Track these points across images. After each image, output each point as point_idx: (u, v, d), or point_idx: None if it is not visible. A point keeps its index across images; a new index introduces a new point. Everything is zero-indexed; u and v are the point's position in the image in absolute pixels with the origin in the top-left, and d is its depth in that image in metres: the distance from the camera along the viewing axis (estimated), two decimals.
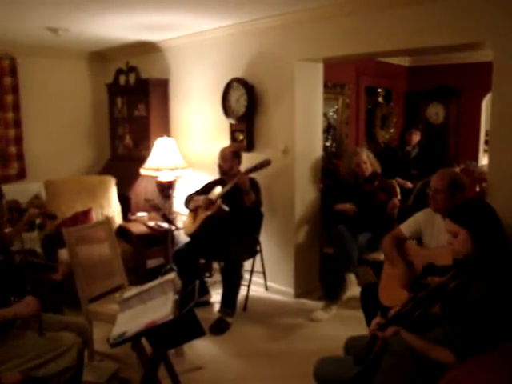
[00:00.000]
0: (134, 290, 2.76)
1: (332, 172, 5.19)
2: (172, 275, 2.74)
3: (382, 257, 3.84)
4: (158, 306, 2.51)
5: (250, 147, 4.89)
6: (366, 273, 4.58)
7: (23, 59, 6.09)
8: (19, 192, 4.88)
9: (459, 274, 2.08)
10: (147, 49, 5.92)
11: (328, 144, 6.26)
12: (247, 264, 4.56)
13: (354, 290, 4.11)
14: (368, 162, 4.56)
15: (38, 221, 4.44)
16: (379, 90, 7.11)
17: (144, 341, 2.61)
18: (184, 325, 2.52)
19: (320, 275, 4.96)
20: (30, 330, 2.69)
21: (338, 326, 4.13)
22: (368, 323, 3.19)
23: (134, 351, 2.62)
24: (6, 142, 6.11)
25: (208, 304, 4.62)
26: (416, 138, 5.37)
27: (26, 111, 6.19)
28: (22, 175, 6.19)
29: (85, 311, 3.50)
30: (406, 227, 3.27)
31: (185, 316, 2.49)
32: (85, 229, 3.73)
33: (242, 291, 4.49)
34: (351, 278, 4.18)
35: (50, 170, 5.91)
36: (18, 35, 5.29)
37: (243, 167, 4.46)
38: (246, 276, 4.61)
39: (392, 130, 7.25)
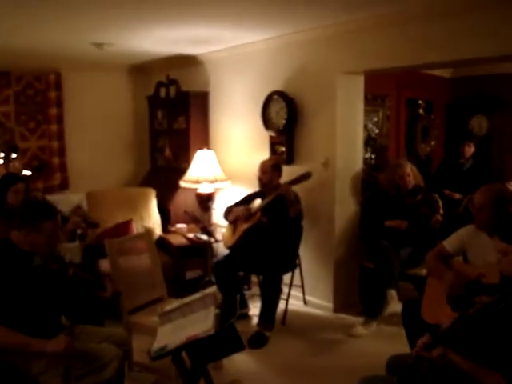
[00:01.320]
0: (175, 303, 2.75)
1: (372, 185, 5.12)
2: (213, 289, 2.73)
3: (423, 272, 3.76)
4: (199, 320, 2.49)
5: (290, 160, 4.87)
6: (407, 288, 4.50)
7: (67, 73, 6.25)
8: (62, 202, 4.94)
9: (510, 293, 2.01)
10: (188, 62, 5.98)
11: (367, 156, 6.19)
12: (286, 277, 4.51)
13: (394, 305, 4.03)
14: (411, 174, 4.48)
15: (79, 231, 4.49)
16: (420, 102, 7.00)
17: (183, 353, 2.61)
18: (225, 339, 2.50)
19: (359, 290, 4.88)
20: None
21: (379, 343, 4.04)
22: (410, 340, 3.11)
23: (174, 365, 2.62)
24: (49, 153, 6.26)
25: (246, 317, 4.60)
26: (470, 150, 5.31)
27: (69, 124, 6.34)
28: (64, 186, 6.32)
29: (125, 322, 3.52)
30: (449, 243, 3.18)
31: (226, 330, 2.47)
32: (126, 240, 3.77)
33: (281, 305, 4.45)
34: (392, 293, 4.10)
35: (91, 181, 6.01)
36: (63, 50, 5.42)
37: (283, 180, 4.44)
38: (285, 290, 4.57)
39: (433, 143, 7.12)
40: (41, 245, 2.68)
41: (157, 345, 2.46)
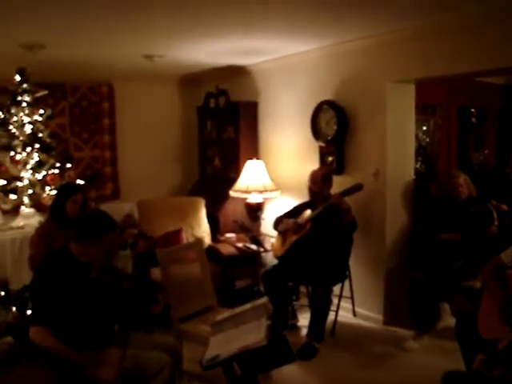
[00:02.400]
0: (227, 313, 2.76)
1: (423, 195, 5.02)
2: (264, 299, 2.72)
3: (477, 285, 3.65)
4: (251, 331, 2.49)
5: (340, 170, 4.84)
6: (460, 301, 4.37)
7: (119, 85, 6.41)
8: (113, 211, 5.02)
9: None
10: (237, 72, 6.03)
11: (417, 166, 6.08)
12: (336, 289, 4.47)
13: (447, 319, 3.94)
14: (464, 185, 4.38)
15: (130, 240, 4.57)
16: (472, 110, 6.84)
17: (234, 364, 2.60)
18: (276, 350, 2.49)
19: (409, 302, 4.78)
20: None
21: (431, 357, 3.94)
22: (464, 356, 3.02)
23: (226, 375, 2.62)
24: (102, 163, 6.43)
25: (295, 328, 4.57)
26: None
27: (121, 134, 6.49)
28: (116, 195, 6.47)
29: (176, 331, 3.55)
30: (506, 256, 3.08)
31: (277, 341, 2.46)
32: (177, 249, 3.82)
33: (330, 316, 4.41)
34: (445, 306, 4.00)
35: (141, 191, 6.12)
36: (116, 63, 5.56)
37: (333, 190, 4.41)
38: (335, 301, 4.52)
39: (486, 152, 6.94)
40: (98, 257, 2.72)
41: (209, 354, 2.46)
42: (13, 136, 5.13)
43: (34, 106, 5.24)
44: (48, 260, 2.87)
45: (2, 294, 4.40)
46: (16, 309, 3.40)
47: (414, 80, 4.47)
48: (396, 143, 4.55)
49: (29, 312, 3.35)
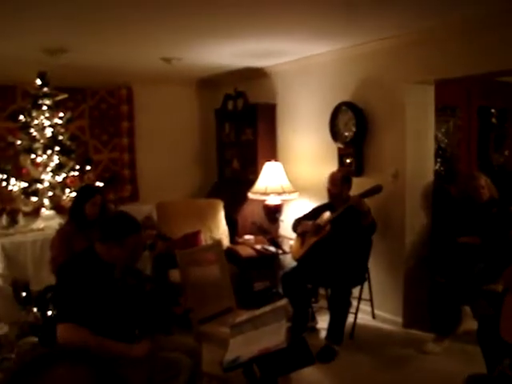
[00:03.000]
0: (246, 315, 2.76)
1: (443, 197, 4.97)
2: (284, 301, 2.72)
3: (499, 288, 3.61)
4: (271, 333, 2.49)
5: (358, 172, 4.81)
6: (481, 305, 4.31)
7: (138, 88, 6.45)
8: (132, 213, 5.09)
9: None
10: (255, 74, 6.04)
11: (437, 167, 6.03)
12: (355, 291, 4.45)
13: (468, 322, 3.89)
14: (486, 187, 4.33)
15: (149, 241, 4.60)
16: (493, 111, 6.77)
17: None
18: (295, 352, 2.48)
19: (429, 305, 4.74)
20: None
21: (452, 361, 3.90)
22: (486, 360, 2.99)
23: (246, 377, 2.62)
24: (120, 165, 6.47)
25: (314, 330, 4.56)
26: None
27: (139, 136, 6.53)
28: (134, 197, 6.51)
29: (195, 332, 3.56)
30: None
31: (297, 344, 2.46)
32: (197, 251, 3.84)
33: (349, 318, 4.38)
34: (466, 310, 3.96)
35: (159, 193, 6.15)
36: (134, 66, 5.61)
37: (352, 192, 4.39)
38: (354, 303, 4.50)
39: (506, 153, 6.86)
40: (122, 259, 2.72)
41: (229, 356, 2.46)
42: (34, 139, 5.19)
43: (54, 109, 5.30)
44: (73, 260, 2.89)
45: (24, 294, 4.45)
46: (38, 309, 3.43)
47: (433, 81, 4.44)
48: (415, 144, 4.52)
49: (50, 313, 3.39)
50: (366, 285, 4.60)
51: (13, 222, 5.42)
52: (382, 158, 4.66)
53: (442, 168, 6.17)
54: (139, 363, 2.53)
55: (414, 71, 4.31)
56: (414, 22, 3.91)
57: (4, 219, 5.40)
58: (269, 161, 5.31)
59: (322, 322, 4.55)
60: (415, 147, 4.52)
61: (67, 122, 5.43)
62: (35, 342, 2.88)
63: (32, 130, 5.19)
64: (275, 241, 4.83)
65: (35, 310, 3.62)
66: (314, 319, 4.62)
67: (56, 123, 5.29)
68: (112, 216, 3.01)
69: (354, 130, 4.77)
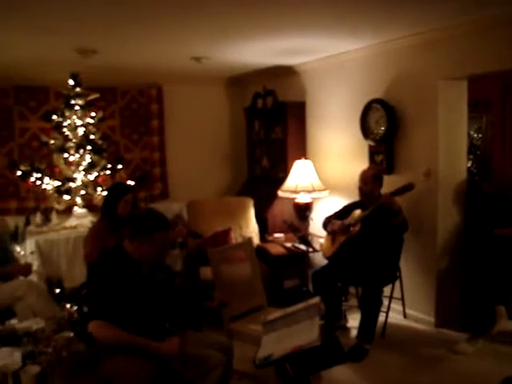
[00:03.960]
0: (278, 313, 2.76)
1: (476, 193, 4.89)
2: (316, 299, 2.71)
3: None
4: (304, 331, 2.48)
5: (390, 169, 4.76)
6: None
7: (168, 87, 6.51)
8: (162, 211, 5.12)
9: None
10: (284, 72, 6.03)
11: (469, 165, 5.93)
12: (386, 289, 4.41)
13: (504, 323, 3.82)
14: None
15: (179, 239, 4.63)
16: None
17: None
18: (328, 350, 2.48)
19: (462, 304, 4.67)
20: None
21: (486, 362, 3.83)
22: None
23: (278, 375, 2.62)
24: (151, 164, 6.53)
25: (345, 328, 4.53)
26: None
27: (169, 135, 6.59)
28: (164, 195, 6.58)
29: (227, 330, 3.57)
30: None
31: (329, 342, 2.45)
32: (228, 249, 3.85)
33: (380, 317, 4.33)
34: (501, 309, 3.89)
35: (189, 191, 6.21)
36: (164, 65, 5.67)
37: (384, 190, 4.35)
38: (385, 302, 4.46)
39: None
40: (151, 255, 2.75)
41: (261, 354, 2.47)
42: (66, 138, 5.28)
43: (86, 109, 5.38)
44: (102, 258, 2.93)
45: (57, 291, 4.53)
46: (73, 305, 3.48)
47: (466, 76, 4.36)
48: (448, 141, 4.45)
49: (85, 309, 3.43)
50: (397, 283, 4.55)
51: (46, 219, 5.54)
52: (414, 155, 4.61)
53: (474, 165, 6.07)
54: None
55: (446, 67, 4.25)
56: (448, 17, 3.85)
57: (38, 217, 5.52)
58: (299, 159, 5.29)
59: (353, 321, 4.54)
60: (447, 144, 4.45)
61: (99, 122, 5.51)
62: (70, 337, 2.92)
63: (65, 130, 5.28)
64: (305, 239, 4.81)
65: (68, 306, 3.67)
66: (344, 318, 4.59)
67: (88, 123, 5.37)
68: (141, 213, 3.04)
69: (385, 127, 4.72)
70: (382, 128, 4.76)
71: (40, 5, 3.27)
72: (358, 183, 4.43)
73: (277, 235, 5.37)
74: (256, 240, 5.38)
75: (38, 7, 3.33)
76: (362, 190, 4.40)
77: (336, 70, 5.38)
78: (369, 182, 4.34)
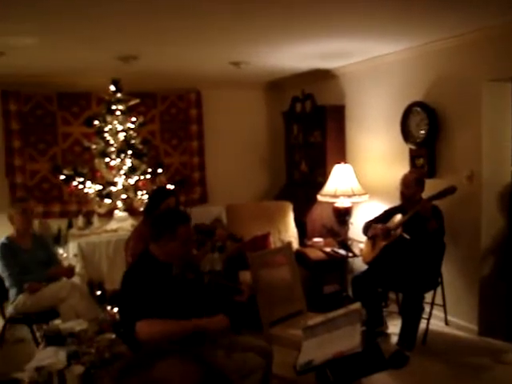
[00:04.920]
0: (319, 318, 2.74)
1: None
2: (357, 305, 2.68)
3: None
4: (345, 337, 2.46)
5: (431, 173, 4.68)
6: None
7: (207, 92, 6.57)
8: (202, 215, 5.18)
9: None
10: (322, 76, 6.01)
11: None
12: (427, 296, 4.33)
13: None
14: None
15: (218, 243, 4.65)
16: None
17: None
18: (369, 357, 2.44)
19: (507, 312, 4.54)
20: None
21: None
22: None
23: (319, 381, 2.60)
24: (190, 168, 6.59)
25: (384, 335, 4.47)
26: None
27: (208, 140, 6.63)
28: (203, 199, 6.63)
29: (266, 334, 3.55)
30: None
31: (371, 348, 2.42)
32: (267, 253, 3.85)
33: (421, 324, 4.25)
34: None
35: (228, 195, 6.24)
36: (203, 70, 5.72)
37: (425, 194, 4.28)
38: (426, 309, 4.37)
39: None
40: (177, 253, 2.78)
41: (302, 359, 2.45)
42: (108, 143, 5.36)
43: (127, 114, 5.45)
44: (133, 267, 2.97)
45: (98, 293, 4.61)
46: (116, 308, 3.54)
47: (510, 78, 4.26)
48: (492, 144, 4.34)
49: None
50: (439, 290, 4.46)
51: (88, 223, 5.64)
52: (456, 158, 4.52)
53: None
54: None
55: (490, 68, 4.15)
56: (492, 17, 3.77)
57: (80, 220, 5.63)
58: (338, 163, 5.26)
59: (393, 327, 4.47)
60: (491, 147, 4.35)
61: (139, 127, 5.58)
62: (113, 339, 2.97)
63: (106, 135, 5.36)
64: (345, 244, 4.76)
65: (109, 308, 3.73)
66: (384, 324, 4.53)
67: (128, 128, 5.44)
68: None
69: (426, 130, 4.64)
70: (423, 131, 4.68)
71: (83, 13, 3.35)
72: (399, 187, 4.37)
73: (316, 240, 5.35)
74: (295, 244, 5.36)
75: (81, 16, 3.41)
76: (403, 194, 4.34)
77: (375, 73, 5.33)
78: (411, 186, 4.28)
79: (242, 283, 4.34)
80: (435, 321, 4.60)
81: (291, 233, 5.43)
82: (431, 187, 4.32)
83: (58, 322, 3.74)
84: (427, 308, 4.39)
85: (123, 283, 2.87)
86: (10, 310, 4.18)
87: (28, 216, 4.33)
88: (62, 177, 5.30)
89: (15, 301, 4.10)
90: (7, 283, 4.16)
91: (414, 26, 4.00)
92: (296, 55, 4.99)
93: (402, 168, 4.83)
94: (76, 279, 4.59)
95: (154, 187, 5.22)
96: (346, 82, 5.83)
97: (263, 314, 3.55)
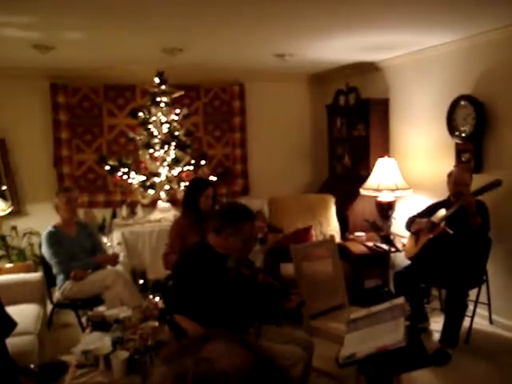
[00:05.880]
0: (362, 312, 2.72)
1: None
2: (401, 299, 2.65)
3: None
4: (388, 331, 2.43)
5: (477, 168, 4.57)
6: None
7: (250, 84, 6.57)
8: None
9: None
10: (366, 69, 5.95)
11: None
12: (472, 293, 4.25)
13: None
14: None
15: (259, 235, 4.66)
16: None
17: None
18: (412, 352, 2.41)
19: None
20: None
21: None
22: None
23: (362, 374, 2.58)
24: (232, 161, 6.62)
25: (426, 331, 4.41)
26: None
27: (251, 132, 6.64)
28: (245, 192, 6.64)
29: (307, 327, 3.56)
30: None
31: (414, 344, 2.39)
32: (310, 246, 3.85)
33: (465, 322, 4.17)
34: None
35: (270, 188, 6.25)
36: (247, 63, 5.73)
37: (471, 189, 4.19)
38: (470, 306, 4.28)
39: None
40: (237, 248, 2.77)
41: (344, 352, 2.44)
42: (152, 135, 5.43)
43: (171, 106, 5.51)
44: (187, 254, 3.00)
45: (141, 282, 4.69)
46: (158, 296, 3.60)
47: None
48: None
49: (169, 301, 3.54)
50: (483, 287, 4.36)
51: (132, 213, 5.74)
52: (505, 154, 4.39)
53: None
54: None
55: None
56: None
57: (124, 210, 5.73)
58: (381, 157, 5.20)
59: (434, 324, 4.40)
60: None
61: (183, 118, 5.63)
62: (156, 326, 3.02)
63: (150, 126, 5.43)
64: (388, 238, 4.71)
65: (151, 296, 3.80)
66: (426, 320, 4.47)
67: (172, 119, 5.50)
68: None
69: (474, 124, 4.53)
70: (471, 125, 4.57)
71: (133, 7, 3.40)
72: (449, 184, 4.27)
73: (358, 234, 5.31)
74: (336, 238, 5.34)
75: (130, 9, 3.47)
76: (452, 190, 4.25)
77: (421, 66, 5.23)
78: (469, 184, 4.18)
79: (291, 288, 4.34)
80: (479, 319, 4.51)
81: (333, 226, 5.40)
82: (477, 182, 4.23)
83: (101, 308, 3.82)
84: (471, 306, 4.31)
85: (174, 272, 2.91)
86: (57, 295, 4.33)
87: (73, 205, 4.44)
88: (107, 167, 5.41)
89: (62, 287, 4.23)
90: (55, 270, 4.29)
91: (464, 16, 3.89)
92: (341, 47, 4.94)
93: (448, 162, 4.75)
94: (119, 268, 4.68)
95: (194, 178, 5.25)
96: (391, 75, 5.75)
97: (305, 306, 3.54)
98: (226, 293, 2.77)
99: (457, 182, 4.20)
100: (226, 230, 2.75)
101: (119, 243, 5.13)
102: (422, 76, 5.26)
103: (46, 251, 4.30)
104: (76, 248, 4.36)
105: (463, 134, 4.68)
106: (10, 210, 4.94)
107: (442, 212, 4.24)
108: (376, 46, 4.88)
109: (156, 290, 4.40)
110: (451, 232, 4.05)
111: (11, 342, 3.25)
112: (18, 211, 5.78)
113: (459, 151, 4.77)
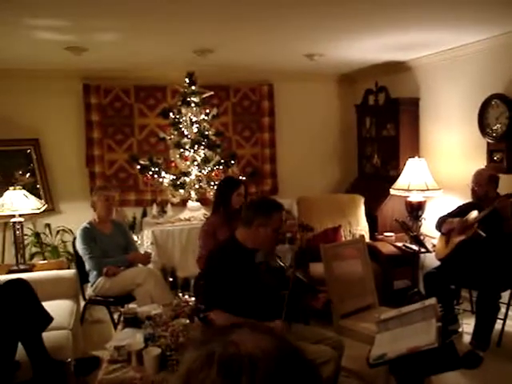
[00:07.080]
0: (393, 312, 2.72)
1: None
2: (433, 300, 2.64)
3: None
4: (420, 332, 2.43)
5: (510, 168, 4.51)
6: None
7: (279, 84, 6.59)
8: None
9: None
10: (396, 68, 5.91)
11: None
12: (504, 295, 4.19)
13: None
14: None
15: (288, 234, 4.67)
16: None
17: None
18: (443, 354, 2.40)
19: None
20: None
21: None
22: None
23: (393, 374, 2.59)
24: (261, 160, 6.65)
25: (456, 333, 4.36)
26: None
27: (280, 132, 6.66)
28: (274, 191, 6.66)
29: (336, 326, 3.56)
30: None
31: (445, 345, 2.38)
32: (340, 246, 3.85)
33: (497, 325, 4.12)
34: None
35: (298, 187, 6.25)
36: (276, 63, 5.76)
37: (503, 191, 4.13)
38: (502, 309, 4.23)
39: None
40: (267, 239, 2.84)
41: (375, 352, 2.45)
42: (182, 134, 5.48)
43: (201, 106, 5.55)
44: (217, 251, 3.04)
45: (171, 280, 4.75)
46: (188, 294, 3.65)
47: None
48: None
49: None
50: None
51: (162, 211, 5.80)
52: None
53: None
54: None
55: None
56: None
57: (154, 209, 5.80)
58: (411, 157, 5.17)
59: (465, 326, 4.34)
60: None
61: (213, 118, 5.67)
62: (187, 324, 3.06)
63: (181, 126, 5.48)
64: (418, 239, 4.67)
65: (181, 294, 3.84)
66: (456, 322, 4.42)
67: (202, 119, 5.54)
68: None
69: (507, 123, 4.47)
70: (504, 125, 4.52)
71: (166, 9, 3.45)
72: (470, 184, 4.23)
73: (387, 234, 5.28)
74: (366, 238, 5.32)
75: (163, 12, 3.52)
76: (474, 192, 4.19)
77: (452, 64, 5.18)
78: (483, 184, 4.12)
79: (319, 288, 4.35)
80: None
81: (362, 226, 5.39)
82: (509, 183, 4.17)
83: (132, 305, 3.88)
84: (503, 308, 4.25)
85: (205, 268, 2.97)
86: (89, 291, 4.41)
87: (110, 204, 4.55)
88: (138, 167, 5.47)
89: (95, 283, 4.31)
90: (88, 266, 4.37)
91: (496, 14, 3.84)
92: (371, 47, 4.93)
93: (479, 162, 4.69)
94: (150, 265, 4.75)
95: (225, 177, 5.29)
96: (421, 74, 5.70)
97: (335, 306, 3.55)
98: (255, 286, 2.82)
99: (475, 180, 4.18)
100: (257, 220, 2.83)
101: (152, 243, 5.19)
102: (452, 75, 5.20)
103: (79, 247, 4.39)
104: (110, 245, 4.44)
105: (495, 134, 4.63)
106: (43, 208, 5.04)
107: (474, 213, 4.19)
108: (406, 45, 4.85)
109: (185, 287, 4.46)
110: (483, 235, 4.00)
111: (47, 336, 3.33)
112: (51, 209, 5.91)
113: (491, 151, 4.71)
